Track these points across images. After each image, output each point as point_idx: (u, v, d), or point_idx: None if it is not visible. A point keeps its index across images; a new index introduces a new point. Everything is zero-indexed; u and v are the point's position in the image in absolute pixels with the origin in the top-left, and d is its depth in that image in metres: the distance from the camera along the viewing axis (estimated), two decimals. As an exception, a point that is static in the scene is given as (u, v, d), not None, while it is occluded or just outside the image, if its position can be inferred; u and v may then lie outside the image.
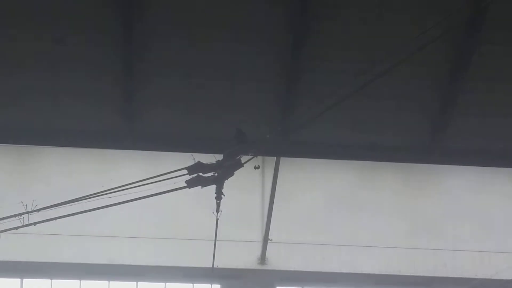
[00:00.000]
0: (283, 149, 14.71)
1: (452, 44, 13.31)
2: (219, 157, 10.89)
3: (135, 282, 18.04)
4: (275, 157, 16.37)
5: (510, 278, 16.54)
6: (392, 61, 10.10)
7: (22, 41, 13.67)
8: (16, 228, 11.92)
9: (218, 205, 11.28)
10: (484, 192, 17.93)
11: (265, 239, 17.35)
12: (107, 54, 13.88)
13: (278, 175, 16.54)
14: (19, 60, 14.05)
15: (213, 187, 11.20)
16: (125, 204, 12.20)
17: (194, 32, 13.51)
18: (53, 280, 18.00)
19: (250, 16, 13.29)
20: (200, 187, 10.98)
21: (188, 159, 11.22)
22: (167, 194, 11.97)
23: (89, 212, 12.46)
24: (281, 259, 17.58)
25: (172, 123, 15.22)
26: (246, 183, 16.93)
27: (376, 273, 17.61)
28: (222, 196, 11.07)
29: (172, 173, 11.10)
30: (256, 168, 11.73)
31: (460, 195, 17.99)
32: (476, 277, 17.33)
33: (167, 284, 18.08)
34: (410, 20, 13.06)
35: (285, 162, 16.65)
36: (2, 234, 12.80)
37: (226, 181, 11.07)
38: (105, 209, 12.43)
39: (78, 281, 18.00)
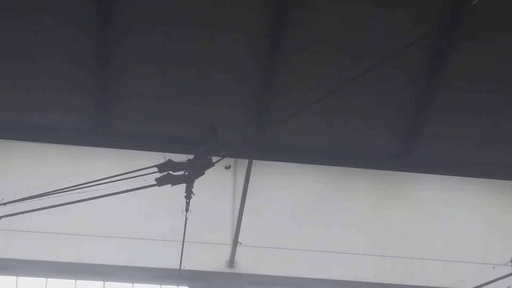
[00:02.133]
0: (255, 151, 14.69)
1: (427, 48, 13.35)
2: (191, 157, 10.85)
3: (102, 282, 17.90)
4: (247, 159, 16.32)
5: (473, 287, 16.61)
6: (367, 64, 10.11)
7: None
8: (-18, 221, 11.77)
9: (187, 204, 11.24)
10: (454, 202, 17.97)
11: (235, 242, 17.27)
12: (82, 48, 13.81)
13: (250, 177, 16.49)
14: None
15: (183, 187, 11.16)
16: (94, 202, 12.09)
17: (170, 23, 13.47)
18: (18, 277, 17.82)
19: (228, 5, 13.25)
20: (170, 185, 10.92)
21: (159, 158, 11.17)
22: (137, 193, 11.90)
23: (57, 209, 12.34)
24: (250, 262, 17.51)
25: (144, 121, 15.18)
26: (217, 184, 16.85)
27: (344, 279, 17.58)
28: (192, 195, 11.03)
29: (142, 171, 11.03)
30: (227, 168, 11.71)
31: (430, 204, 18.02)
32: (442, 285, 17.37)
33: (134, 284, 17.93)
34: (389, 19, 13.04)
35: (257, 164, 16.61)
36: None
37: (196, 180, 11.03)
38: (73, 206, 12.33)
39: (45, 279, 17.83)
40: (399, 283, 17.60)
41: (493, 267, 17.08)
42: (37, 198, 11.70)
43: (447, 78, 13.75)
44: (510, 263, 16.83)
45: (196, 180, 10.85)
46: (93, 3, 13.23)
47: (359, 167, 16.63)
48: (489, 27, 13.54)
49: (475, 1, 10.90)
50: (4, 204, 11.82)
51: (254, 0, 13.25)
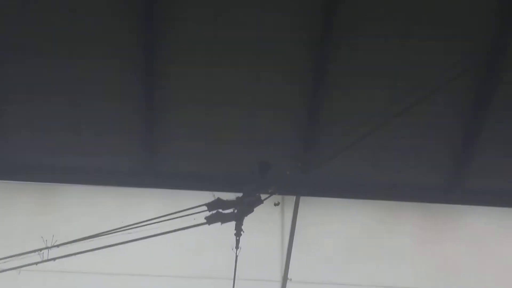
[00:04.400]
0: (302, 188, 14.72)
1: (473, 80, 13.31)
2: (240, 195, 10.94)
3: (153, 322, 17.96)
4: (295, 195, 16.36)
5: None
6: (413, 99, 10.15)
7: (45, 80, 13.84)
8: (36, 263, 11.95)
9: (237, 241, 11.31)
10: (507, 234, 17.78)
11: (284, 278, 17.26)
12: (128, 91, 14.00)
13: (298, 213, 16.51)
14: (42, 98, 14.19)
15: (233, 225, 11.24)
16: (145, 242, 12.23)
17: (213, 62, 13.62)
18: (72, 318, 17.95)
19: (271, 43, 13.36)
20: (219, 223, 11.01)
21: (208, 197, 11.27)
22: (187, 232, 12.02)
23: (108, 250, 12.49)
24: (300, 299, 17.47)
25: (191, 161, 15.30)
26: (266, 221, 16.88)
27: (396, 315, 17.46)
28: (242, 232, 11.11)
29: (192, 210, 11.15)
30: (276, 204, 11.78)
31: (482, 237, 17.86)
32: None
33: (186, 324, 17.99)
34: (433, 52, 13.05)
35: (304, 200, 16.63)
36: (22, 271, 12.84)
37: (245, 218, 11.11)
38: (124, 247, 12.47)
39: (98, 320, 17.94)
40: (451, 319, 17.44)
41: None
42: (89, 240, 11.87)
43: (494, 110, 13.69)
44: None
45: (245, 217, 10.94)
46: (140, 42, 13.42)
47: (407, 201, 16.57)
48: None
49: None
50: (58, 245, 12.00)
51: (297, 39, 13.35)
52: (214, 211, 10.83)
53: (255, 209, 10.84)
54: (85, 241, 12.00)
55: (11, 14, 13.11)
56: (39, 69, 13.73)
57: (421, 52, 13.18)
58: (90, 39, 13.43)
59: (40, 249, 12.02)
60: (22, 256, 11.80)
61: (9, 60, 13.66)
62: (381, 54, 13.26)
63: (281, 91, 13.88)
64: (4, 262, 11.82)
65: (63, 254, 12.00)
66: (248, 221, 11.23)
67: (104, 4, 13.12)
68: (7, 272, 12.16)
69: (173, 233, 11.75)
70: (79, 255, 12.34)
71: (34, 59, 13.63)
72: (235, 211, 10.78)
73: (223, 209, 10.84)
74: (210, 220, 10.84)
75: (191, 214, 11.15)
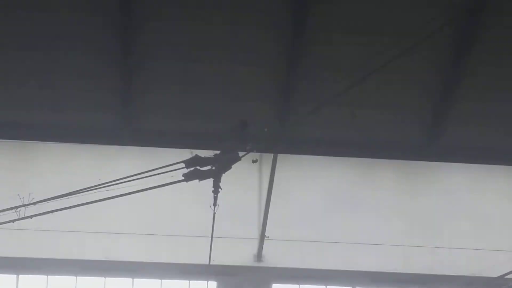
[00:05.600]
0: (280, 146, 14.69)
1: (451, 36, 13.25)
2: (218, 152, 10.90)
3: (131, 279, 18.00)
4: (272, 153, 16.35)
5: (499, 275, 16.57)
6: (390, 54, 10.11)
7: (19, 34, 13.67)
8: (13, 221, 11.89)
9: (215, 198, 11.30)
10: (481, 189, 17.92)
11: (262, 236, 17.31)
12: (105, 48, 13.87)
13: (276, 171, 16.51)
14: (19, 55, 14.04)
15: (210, 184, 11.20)
16: (122, 200, 12.19)
17: (193, 18, 13.48)
18: (49, 276, 17.96)
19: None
20: (197, 181, 10.97)
21: (185, 155, 11.22)
22: (164, 190, 11.99)
23: (85, 208, 12.44)
24: (277, 256, 17.53)
25: (169, 119, 15.22)
26: (243, 179, 16.89)
27: (372, 270, 17.57)
28: (220, 189, 11.08)
29: (170, 167, 11.10)
30: (254, 161, 11.73)
31: (457, 193, 17.98)
32: (471, 274, 17.32)
33: (163, 280, 18.04)
34: (412, 6, 12.95)
35: (282, 157, 16.63)
36: (-1, 229, 12.77)
37: (223, 175, 11.08)
38: (101, 205, 12.42)
39: (74, 277, 17.97)
40: (427, 273, 17.58)
41: (522, 254, 17.06)
42: (66, 197, 11.80)
43: (472, 64, 13.68)
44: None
45: (223, 174, 10.91)
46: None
47: (385, 158, 16.62)
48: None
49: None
50: (35, 203, 11.94)
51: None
52: (192, 168, 10.77)
53: (233, 166, 10.79)
54: (61, 199, 11.92)
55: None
56: (14, 22, 13.54)
57: (401, 6, 13.08)
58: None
59: (17, 207, 11.94)
60: (-1, 214, 11.73)
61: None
62: (361, 9, 13.18)
63: (260, 47, 13.79)
64: (-20, 220, 11.75)
65: (39, 212, 11.93)
66: (226, 178, 11.20)
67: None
68: (-16, 230, 12.10)
69: (151, 191, 11.70)
70: (55, 213, 12.28)
71: (10, 13, 13.44)
72: (213, 168, 10.73)
73: (201, 166, 10.78)
74: (188, 177, 10.79)
75: (169, 171, 11.10)
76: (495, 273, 16.93)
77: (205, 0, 13.28)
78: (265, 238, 17.34)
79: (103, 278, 17.96)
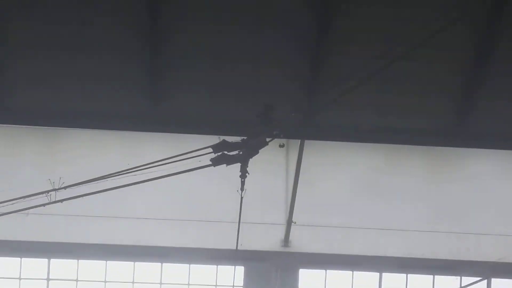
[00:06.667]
0: (307, 132, 14.76)
1: (477, 23, 13.22)
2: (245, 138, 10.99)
3: (160, 263, 18.22)
4: (299, 139, 16.44)
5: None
6: (414, 43, 10.13)
7: (49, 24, 13.82)
8: (44, 205, 12.09)
9: (242, 183, 11.39)
10: (508, 176, 17.93)
11: (289, 222, 17.43)
12: (134, 36, 13.99)
13: (303, 157, 16.62)
14: (47, 43, 14.19)
15: (237, 169, 11.32)
16: (150, 184, 12.34)
17: (219, 15, 13.57)
18: (79, 260, 18.22)
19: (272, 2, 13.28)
20: (225, 165, 11.08)
21: (213, 140, 11.33)
22: (192, 176, 12.11)
23: (114, 193, 12.61)
24: (304, 241, 17.67)
25: (197, 106, 15.32)
26: (270, 165, 17.02)
27: (399, 256, 17.66)
28: (247, 174, 11.18)
29: (198, 152, 11.22)
30: (281, 146, 11.84)
31: (484, 179, 18.00)
32: (498, 260, 17.35)
33: (191, 265, 18.23)
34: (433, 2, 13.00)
35: (309, 144, 16.73)
36: (30, 215, 13.00)
37: (250, 160, 11.18)
38: (130, 189, 12.58)
39: (104, 262, 18.22)
40: (454, 258, 17.62)
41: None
42: (96, 182, 11.98)
43: (501, 51, 13.64)
44: None
45: (250, 159, 11.01)
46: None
47: (410, 144, 16.64)
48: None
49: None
50: (65, 187, 12.13)
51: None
52: (220, 153, 10.88)
53: (260, 151, 10.89)
54: (91, 183, 12.11)
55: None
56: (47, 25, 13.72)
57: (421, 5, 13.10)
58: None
59: (48, 191, 12.14)
60: (30, 198, 11.93)
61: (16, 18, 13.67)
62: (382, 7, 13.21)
63: (283, 46, 13.83)
64: (12, 204, 11.97)
65: (70, 196, 12.13)
66: (253, 164, 11.31)
67: None
68: (16, 213, 12.31)
69: (179, 176, 11.84)
70: (85, 198, 12.47)
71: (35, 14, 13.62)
72: (240, 153, 10.83)
73: (228, 151, 10.88)
74: (215, 162, 10.88)
75: (197, 156, 11.22)
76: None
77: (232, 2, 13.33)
78: (292, 223, 17.47)
79: (133, 262, 18.20)
